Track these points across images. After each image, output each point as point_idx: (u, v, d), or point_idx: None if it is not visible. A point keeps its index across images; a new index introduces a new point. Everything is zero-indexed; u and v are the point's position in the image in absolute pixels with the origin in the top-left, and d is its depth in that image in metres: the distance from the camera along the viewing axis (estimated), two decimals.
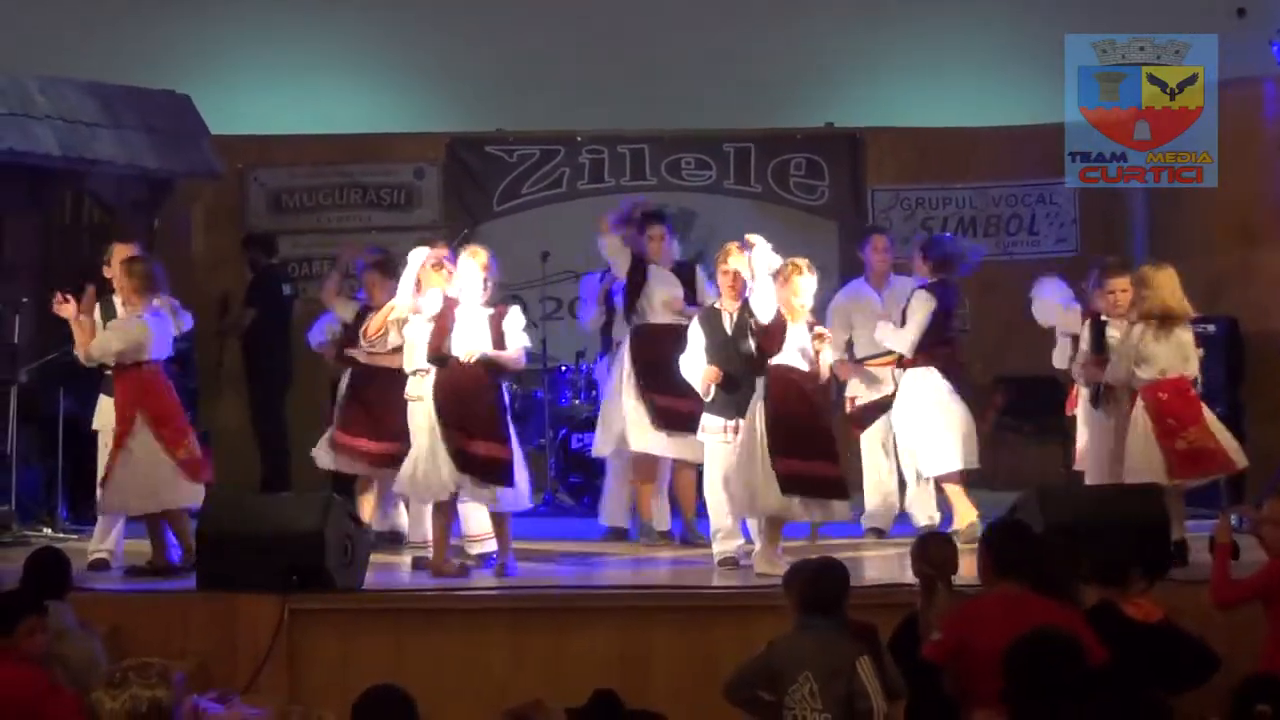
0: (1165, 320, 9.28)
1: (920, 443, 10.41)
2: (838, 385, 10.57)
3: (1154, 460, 9.31)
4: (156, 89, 12.72)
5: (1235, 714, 5.81)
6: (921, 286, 10.45)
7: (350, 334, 10.40)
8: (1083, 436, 10.23)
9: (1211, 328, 10.89)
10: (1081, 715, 5.61)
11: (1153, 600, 7.22)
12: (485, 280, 9.39)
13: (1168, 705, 6.34)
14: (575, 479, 12.25)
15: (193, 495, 9.40)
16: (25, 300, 11.42)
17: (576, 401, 12.58)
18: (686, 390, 9.73)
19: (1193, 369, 9.40)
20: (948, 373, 10.42)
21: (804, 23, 13.92)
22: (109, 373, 9.55)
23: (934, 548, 7.14)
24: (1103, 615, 6.91)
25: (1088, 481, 10.00)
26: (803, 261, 9.34)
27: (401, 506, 10.54)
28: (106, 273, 9.87)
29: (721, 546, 9.54)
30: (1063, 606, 6.63)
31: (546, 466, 12.37)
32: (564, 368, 12.76)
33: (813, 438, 9.18)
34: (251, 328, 13.05)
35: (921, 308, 10.32)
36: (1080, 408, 10.27)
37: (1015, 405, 13.18)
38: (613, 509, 10.88)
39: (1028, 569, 6.72)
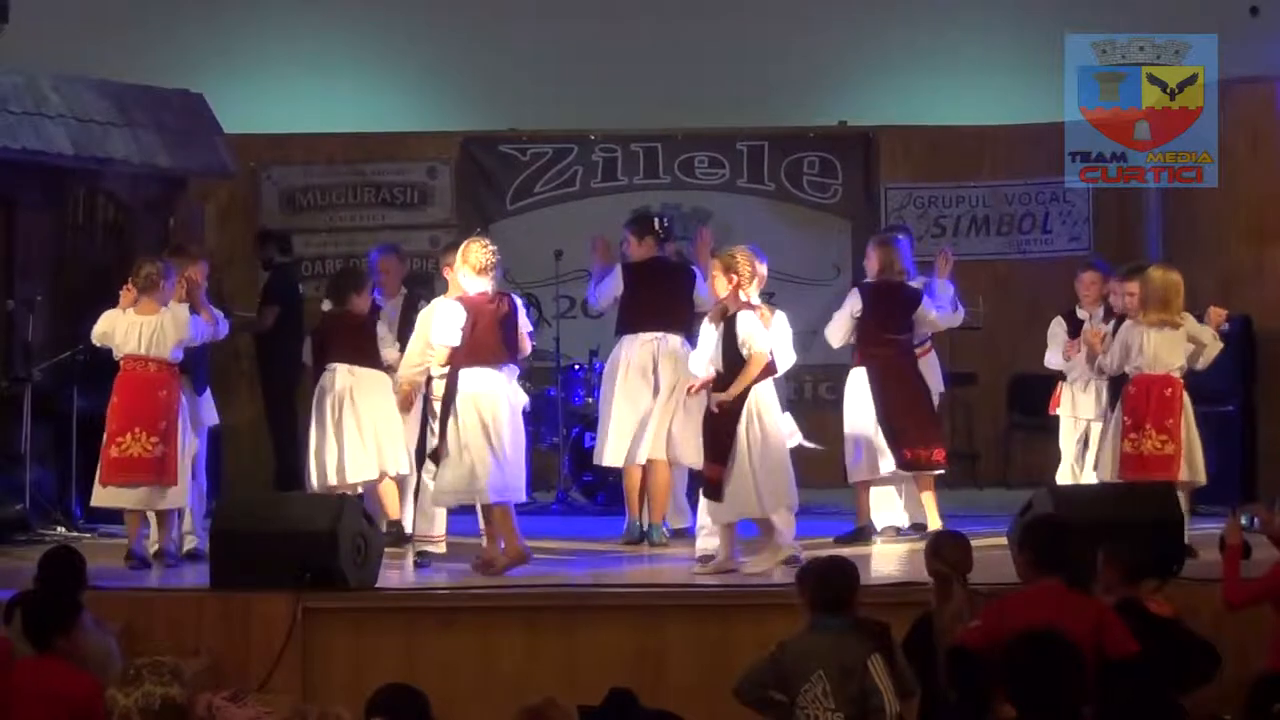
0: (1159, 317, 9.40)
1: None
2: None
3: (1109, 456, 9.45)
4: (170, 88, 12.72)
5: (1250, 712, 5.81)
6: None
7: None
8: (1064, 436, 10.37)
9: (1225, 326, 10.88)
10: (1091, 714, 5.61)
11: (1165, 598, 7.23)
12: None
13: (1180, 705, 6.35)
14: (588, 477, 12.23)
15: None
16: (39, 299, 11.43)
17: (590, 400, 12.58)
18: None
19: (1180, 364, 9.48)
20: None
21: (817, 21, 13.92)
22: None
23: (948, 546, 7.13)
24: (1126, 612, 6.90)
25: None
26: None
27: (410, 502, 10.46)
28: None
29: (704, 543, 9.50)
30: (1094, 602, 6.64)
31: (559, 465, 12.37)
32: (577, 366, 12.75)
33: None
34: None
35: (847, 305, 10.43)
36: (1064, 408, 10.39)
37: (1029, 403, 13.19)
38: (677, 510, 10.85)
39: (1065, 565, 6.72)
